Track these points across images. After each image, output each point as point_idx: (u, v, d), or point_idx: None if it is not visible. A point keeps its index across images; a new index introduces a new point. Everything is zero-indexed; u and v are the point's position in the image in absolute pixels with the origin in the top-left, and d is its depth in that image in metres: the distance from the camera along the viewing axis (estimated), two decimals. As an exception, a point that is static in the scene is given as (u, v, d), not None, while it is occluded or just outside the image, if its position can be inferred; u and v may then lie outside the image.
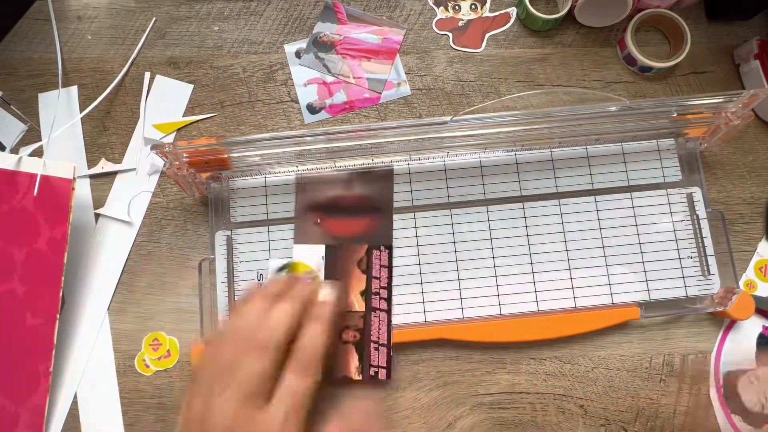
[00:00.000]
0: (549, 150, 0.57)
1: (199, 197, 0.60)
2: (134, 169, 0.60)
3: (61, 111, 0.61)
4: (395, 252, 0.56)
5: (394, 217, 0.57)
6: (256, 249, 0.56)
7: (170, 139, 0.61)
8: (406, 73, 0.62)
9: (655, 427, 0.55)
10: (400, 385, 0.56)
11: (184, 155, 0.52)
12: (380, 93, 0.61)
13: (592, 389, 0.56)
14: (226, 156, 0.53)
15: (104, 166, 0.60)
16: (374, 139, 0.52)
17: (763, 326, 0.57)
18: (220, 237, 0.56)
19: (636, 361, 0.56)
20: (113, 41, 0.63)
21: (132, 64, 0.62)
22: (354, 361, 0.53)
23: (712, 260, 0.55)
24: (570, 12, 0.61)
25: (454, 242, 0.56)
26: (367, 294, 0.54)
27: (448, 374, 0.56)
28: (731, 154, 0.60)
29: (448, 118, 0.50)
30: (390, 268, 0.55)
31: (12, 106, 0.61)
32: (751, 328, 0.57)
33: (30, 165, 0.54)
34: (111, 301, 0.58)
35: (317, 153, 0.55)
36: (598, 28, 0.63)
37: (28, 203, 0.54)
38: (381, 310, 0.54)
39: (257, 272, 0.56)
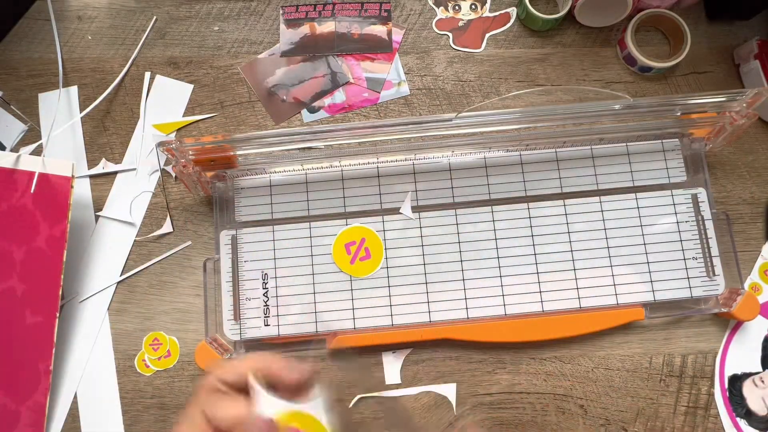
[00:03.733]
0: (554, 150, 0.57)
1: (199, 197, 0.60)
2: (134, 169, 0.60)
3: (61, 111, 0.61)
4: (400, 251, 0.56)
5: (400, 216, 0.57)
6: (261, 248, 0.56)
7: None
8: (405, 73, 0.62)
9: (655, 427, 0.55)
10: (400, 385, 0.56)
11: (191, 153, 0.52)
12: (379, 92, 0.62)
13: (592, 389, 0.56)
14: (232, 153, 0.53)
15: (105, 166, 0.60)
16: (381, 136, 0.52)
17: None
18: (225, 236, 0.56)
19: (636, 361, 0.56)
20: (113, 41, 0.63)
21: (132, 64, 0.62)
22: None
23: (717, 261, 0.55)
24: (570, 12, 0.61)
25: (459, 242, 0.56)
26: None
27: (448, 374, 0.56)
28: (731, 154, 0.60)
29: (452, 115, 0.50)
30: None
31: (12, 106, 0.61)
32: (757, 330, 0.57)
33: (28, 163, 0.54)
34: (111, 301, 0.58)
35: (322, 151, 0.55)
36: (598, 28, 0.63)
37: (27, 201, 0.54)
38: None
39: (262, 272, 0.56)
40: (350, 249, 0.56)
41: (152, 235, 0.59)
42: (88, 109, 0.60)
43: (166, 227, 0.59)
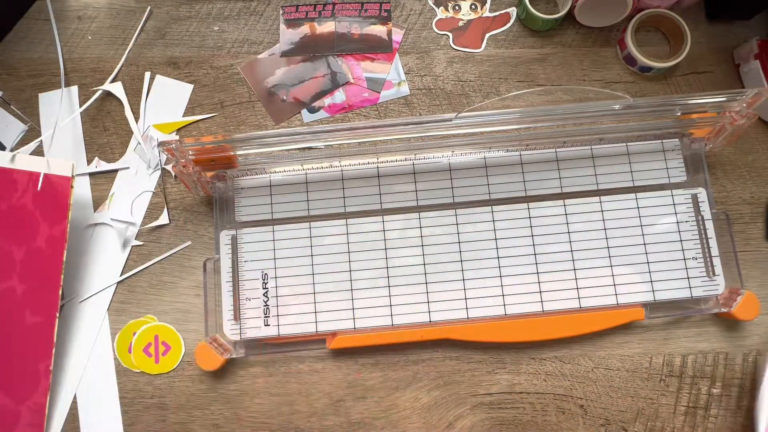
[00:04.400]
0: (554, 150, 0.57)
1: (199, 197, 0.60)
2: (129, 168, 0.60)
3: (62, 111, 0.61)
4: (400, 251, 0.56)
5: (400, 216, 0.57)
6: (261, 249, 0.56)
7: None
8: (405, 73, 0.62)
9: (655, 427, 0.55)
10: (400, 385, 0.56)
11: (191, 153, 0.52)
12: (379, 92, 0.62)
13: (592, 389, 0.56)
14: (232, 153, 0.53)
15: (98, 165, 0.60)
16: (381, 136, 0.52)
17: None
18: (225, 236, 0.56)
19: (636, 361, 0.56)
20: (113, 41, 0.63)
21: (125, 59, 0.62)
22: None
23: (717, 261, 0.55)
24: (570, 12, 0.61)
25: (459, 242, 0.56)
26: None
27: (448, 374, 0.56)
28: (731, 154, 0.60)
29: (452, 115, 0.50)
30: None
31: (12, 106, 0.61)
32: None
33: (29, 163, 0.54)
34: (111, 301, 0.58)
35: (322, 151, 0.55)
36: (598, 28, 0.63)
37: (27, 201, 0.54)
38: None
39: (262, 272, 0.56)
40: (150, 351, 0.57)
41: (147, 227, 0.59)
42: (87, 104, 0.60)
43: (163, 219, 0.59)
